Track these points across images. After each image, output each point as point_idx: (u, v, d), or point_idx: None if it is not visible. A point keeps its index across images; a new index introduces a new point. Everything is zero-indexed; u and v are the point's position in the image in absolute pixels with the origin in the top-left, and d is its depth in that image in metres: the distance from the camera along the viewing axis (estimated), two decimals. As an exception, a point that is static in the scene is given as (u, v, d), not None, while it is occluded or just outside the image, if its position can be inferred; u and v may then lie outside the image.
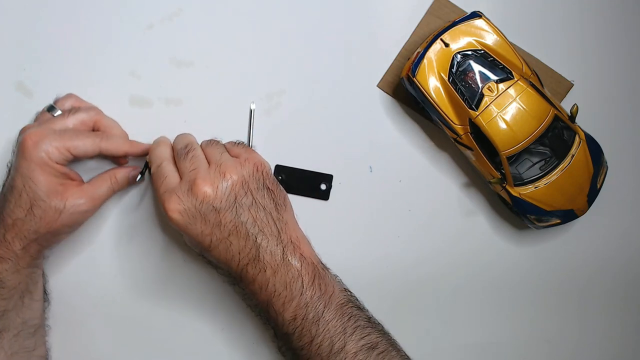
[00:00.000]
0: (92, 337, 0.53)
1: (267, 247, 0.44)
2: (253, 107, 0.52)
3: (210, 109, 0.52)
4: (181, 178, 0.44)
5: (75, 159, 0.46)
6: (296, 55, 0.53)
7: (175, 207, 0.42)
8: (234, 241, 0.43)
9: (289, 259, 0.44)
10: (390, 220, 0.55)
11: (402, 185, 0.55)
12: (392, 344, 0.46)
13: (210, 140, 0.48)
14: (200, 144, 0.47)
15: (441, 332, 0.56)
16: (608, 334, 0.59)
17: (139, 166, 0.50)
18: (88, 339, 0.53)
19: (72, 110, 0.47)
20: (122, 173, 0.49)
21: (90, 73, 0.51)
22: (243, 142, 0.48)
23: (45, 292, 0.50)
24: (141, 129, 0.51)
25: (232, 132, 0.52)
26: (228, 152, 0.46)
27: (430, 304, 0.56)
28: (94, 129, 0.48)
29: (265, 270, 0.43)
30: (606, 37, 0.56)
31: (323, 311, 0.44)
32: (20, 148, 0.43)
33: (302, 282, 0.44)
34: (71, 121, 0.46)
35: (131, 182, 0.49)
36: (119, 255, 0.52)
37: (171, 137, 0.52)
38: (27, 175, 0.43)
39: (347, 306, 0.45)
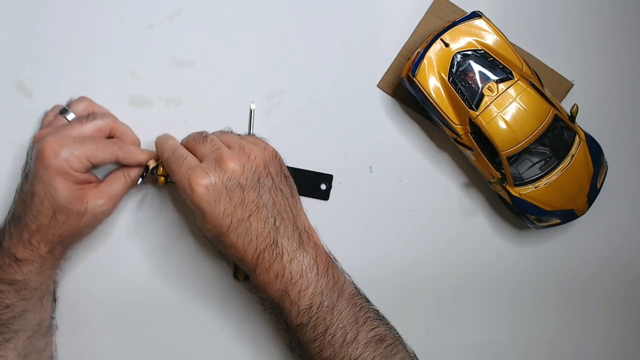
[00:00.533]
0: (95, 336, 0.53)
1: (284, 232, 0.44)
2: (253, 107, 0.52)
3: (210, 109, 0.52)
4: (201, 160, 0.44)
5: (93, 167, 0.46)
6: (296, 55, 0.53)
7: (203, 182, 0.42)
8: (254, 223, 0.43)
9: (305, 245, 0.44)
10: (390, 220, 0.55)
11: (402, 185, 0.55)
12: (398, 338, 0.46)
13: (222, 130, 0.49)
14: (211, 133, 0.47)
15: (441, 332, 0.56)
16: (608, 334, 0.59)
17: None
18: (91, 338, 0.53)
19: (90, 117, 0.47)
20: (134, 171, 0.49)
21: (90, 73, 0.50)
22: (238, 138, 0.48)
23: (53, 291, 0.50)
24: (141, 129, 0.51)
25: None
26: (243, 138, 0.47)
27: (430, 304, 0.56)
28: (109, 136, 0.48)
29: (282, 257, 0.43)
30: (606, 37, 0.56)
31: (337, 300, 0.44)
32: (39, 156, 0.43)
33: (317, 269, 0.44)
34: (88, 128, 0.46)
35: (132, 184, 0.49)
36: (120, 254, 0.52)
37: (171, 137, 0.52)
38: (48, 182, 0.43)
39: (357, 297, 0.46)
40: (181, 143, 0.47)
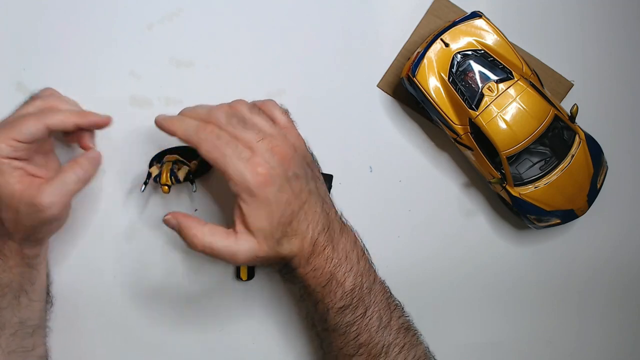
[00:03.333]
0: (91, 337, 0.53)
1: (332, 216, 0.45)
2: None
3: (210, 109, 0.52)
4: (246, 147, 0.41)
5: (32, 147, 0.42)
6: (296, 55, 0.53)
7: (268, 172, 0.40)
8: (309, 210, 0.43)
9: (345, 228, 0.46)
10: (390, 220, 0.55)
11: (402, 185, 0.55)
12: (417, 329, 0.48)
13: (249, 105, 0.44)
14: (237, 107, 0.43)
15: (441, 332, 0.56)
16: (608, 334, 0.59)
17: (100, 150, 0.48)
18: (87, 340, 0.53)
19: (29, 101, 0.45)
20: (84, 160, 0.44)
21: (90, 73, 0.50)
22: (284, 110, 0.46)
23: (48, 294, 0.49)
24: (141, 129, 0.51)
25: (232, 132, 0.52)
26: (276, 123, 0.44)
27: (430, 303, 0.56)
28: None
29: (332, 240, 0.44)
30: (606, 37, 0.56)
31: (372, 283, 0.45)
32: None
33: (357, 252, 0.45)
34: (26, 109, 0.44)
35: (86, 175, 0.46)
36: (117, 255, 0.52)
37: (172, 138, 0.52)
38: None
39: (385, 284, 0.47)
40: (206, 131, 0.42)
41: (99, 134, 0.50)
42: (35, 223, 0.42)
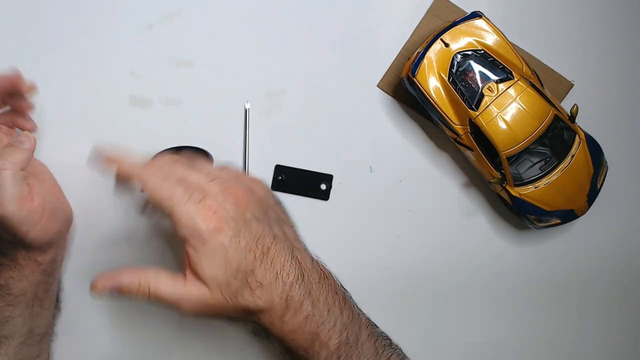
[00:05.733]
0: (92, 340, 0.53)
1: (305, 262, 0.39)
2: (247, 106, 0.52)
3: (210, 109, 0.52)
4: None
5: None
6: (296, 55, 0.53)
7: (221, 216, 0.36)
8: (275, 256, 0.38)
9: (323, 276, 0.40)
10: (390, 220, 0.55)
11: (402, 185, 0.55)
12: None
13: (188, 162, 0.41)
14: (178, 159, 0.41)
15: (441, 332, 0.56)
16: (608, 334, 0.59)
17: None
18: (86, 341, 0.53)
19: None
20: (6, 149, 0.41)
21: (90, 73, 0.50)
22: (226, 167, 0.44)
23: (58, 300, 0.49)
24: (141, 129, 0.51)
25: (232, 132, 0.52)
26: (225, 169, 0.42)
27: (430, 304, 0.56)
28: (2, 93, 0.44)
29: (310, 293, 0.38)
30: (606, 37, 0.56)
31: (358, 333, 0.40)
32: None
33: (339, 302, 0.40)
34: None
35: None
36: (118, 256, 0.52)
37: (172, 138, 0.52)
38: None
39: (370, 326, 0.42)
40: (152, 169, 0.38)
41: (98, 134, 0.50)
42: (9, 228, 0.41)
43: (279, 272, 0.37)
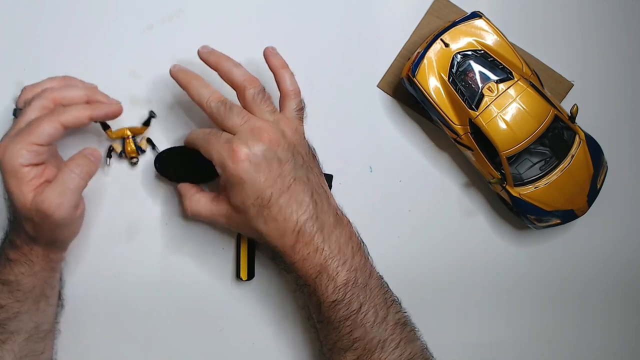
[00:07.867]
0: (94, 337, 0.53)
1: (322, 205, 0.44)
2: None
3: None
4: (233, 133, 0.44)
5: (50, 149, 0.43)
6: (296, 55, 0.52)
7: (243, 151, 0.42)
8: (293, 195, 0.43)
9: (341, 221, 0.45)
10: (390, 220, 0.55)
11: (402, 185, 0.55)
12: (414, 325, 0.48)
13: (259, 90, 0.46)
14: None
15: (441, 332, 0.56)
16: (608, 334, 0.59)
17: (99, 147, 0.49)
18: (86, 339, 0.53)
19: (27, 104, 0.44)
20: (80, 157, 0.44)
21: (91, 73, 0.50)
22: (298, 105, 0.48)
23: (60, 297, 0.50)
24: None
25: (232, 132, 0.52)
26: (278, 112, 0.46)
27: (430, 303, 0.56)
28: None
29: (322, 230, 0.43)
30: (606, 37, 0.56)
31: (368, 278, 0.45)
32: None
33: (352, 246, 0.45)
34: (31, 113, 0.43)
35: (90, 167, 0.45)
36: (117, 255, 0.52)
37: (172, 137, 0.52)
38: (7, 189, 0.42)
39: (382, 279, 0.47)
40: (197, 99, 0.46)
41: (99, 134, 0.50)
42: (51, 227, 0.43)
43: (295, 211, 0.43)
